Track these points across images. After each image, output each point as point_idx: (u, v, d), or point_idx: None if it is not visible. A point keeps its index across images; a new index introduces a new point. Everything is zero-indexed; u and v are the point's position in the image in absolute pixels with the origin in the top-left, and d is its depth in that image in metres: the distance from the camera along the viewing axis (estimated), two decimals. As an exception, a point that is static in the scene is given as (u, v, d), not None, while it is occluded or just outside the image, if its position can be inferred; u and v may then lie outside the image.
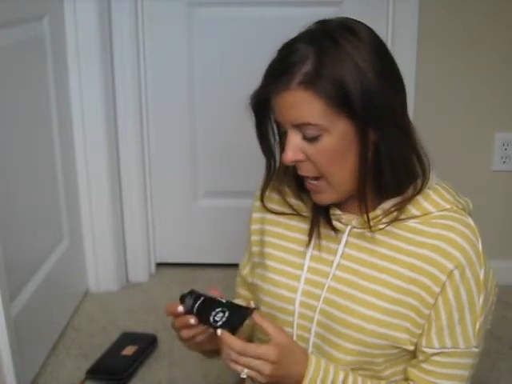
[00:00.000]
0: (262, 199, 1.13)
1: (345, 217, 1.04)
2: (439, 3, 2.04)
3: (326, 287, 1.04)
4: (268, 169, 1.08)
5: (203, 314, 0.96)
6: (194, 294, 0.99)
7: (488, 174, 2.21)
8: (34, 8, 1.78)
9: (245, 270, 1.22)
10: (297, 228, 1.10)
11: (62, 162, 1.96)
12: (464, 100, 2.13)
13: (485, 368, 1.78)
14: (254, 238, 1.17)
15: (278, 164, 1.07)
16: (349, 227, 1.04)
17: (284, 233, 1.11)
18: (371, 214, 1.01)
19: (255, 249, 1.17)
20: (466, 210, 1.04)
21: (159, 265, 2.35)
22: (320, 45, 0.92)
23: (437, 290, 0.98)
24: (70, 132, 2.04)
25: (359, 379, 1.01)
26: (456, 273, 0.97)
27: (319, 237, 1.06)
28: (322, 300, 1.04)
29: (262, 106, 0.99)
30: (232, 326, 0.94)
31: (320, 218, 1.06)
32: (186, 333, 1.00)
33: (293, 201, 1.11)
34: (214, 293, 1.00)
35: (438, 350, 1.00)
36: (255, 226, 1.17)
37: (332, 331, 1.03)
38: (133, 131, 2.18)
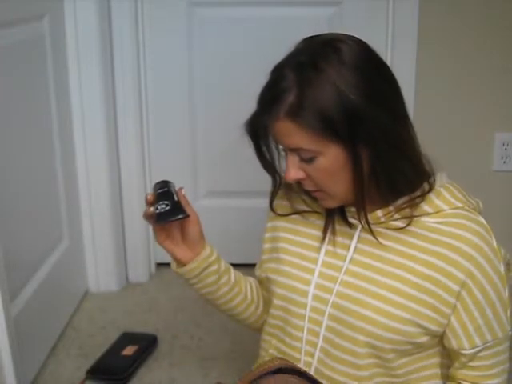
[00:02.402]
0: (271, 209, 1.18)
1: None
2: (439, 3, 2.04)
3: (338, 281, 1.06)
4: (274, 183, 1.13)
5: (156, 201, 1.10)
6: (164, 184, 1.14)
7: (488, 174, 2.21)
8: (34, 8, 1.78)
9: (257, 271, 1.26)
10: (312, 224, 1.13)
11: (61, 161, 1.96)
12: (464, 100, 2.13)
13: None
14: (267, 235, 1.22)
15: (282, 176, 1.11)
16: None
17: (299, 229, 1.14)
18: (384, 210, 1.03)
19: (267, 246, 1.21)
20: (477, 210, 1.06)
21: (159, 265, 2.35)
22: (303, 73, 0.95)
23: (455, 288, 1.00)
24: (69, 132, 2.04)
25: None
26: (476, 273, 1.00)
27: (334, 233, 1.09)
28: (334, 293, 1.06)
29: (258, 131, 1.04)
30: (160, 218, 1.08)
31: (334, 214, 1.09)
32: (146, 209, 1.10)
33: (306, 198, 1.13)
34: (180, 191, 1.12)
35: (482, 347, 1.04)
36: (268, 235, 1.22)
37: (344, 324, 1.04)
38: (133, 131, 2.18)
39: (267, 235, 1.22)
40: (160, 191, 1.11)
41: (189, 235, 1.13)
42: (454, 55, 2.08)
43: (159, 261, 2.35)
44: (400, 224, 1.03)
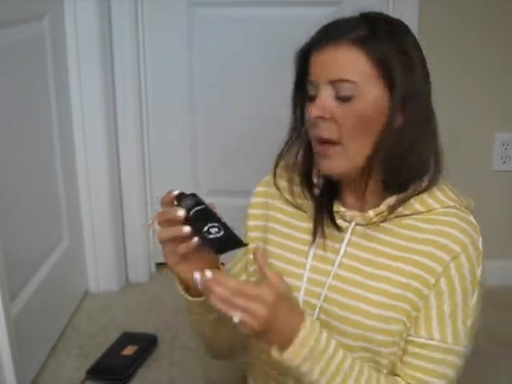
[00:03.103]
0: (274, 174, 1.12)
1: (348, 213, 1.04)
2: (439, 3, 2.04)
3: (327, 285, 1.04)
4: (290, 137, 1.07)
5: (198, 221, 0.88)
6: (197, 199, 0.92)
7: (488, 173, 2.21)
8: (34, 8, 1.78)
9: (236, 267, 1.20)
10: (301, 228, 1.10)
11: (61, 162, 1.96)
12: (464, 100, 2.12)
13: (485, 368, 1.77)
14: (255, 234, 1.16)
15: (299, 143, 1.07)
16: (352, 225, 1.04)
17: (288, 232, 1.11)
18: (376, 210, 1.02)
19: (254, 246, 1.15)
20: (469, 209, 1.05)
21: (159, 265, 2.36)
22: (375, 22, 0.99)
23: (432, 281, 0.99)
24: (69, 132, 2.05)
25: (348, 355, 0.96)
26: (452, 265, 0.98)
27: (323, 236, 1.06)
28: (322, 298, 1.04)
29: (306, 60, 1.01)
30: (221, 246, 0.87)
31: (324, 216, 1.06)
32: (167, 230, 0.92)
33: (299, 201, 1.11)
34: (213, 208, 0.94)
35: (425, 340, 0.99)
36: (255, 222, 1.16)
37: (333, 329, 1.03)
38: (133, 131, 2.19)
39: (253, 234, 1.15)
40: (198, 209, 0.90)
41: (206, 256, 0.96)
42: (454, 55, 2.08)
43: (159, 261, 2.35)
44: (390, 226, 1.02)
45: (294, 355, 0.90)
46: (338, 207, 1.06)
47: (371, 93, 0.96)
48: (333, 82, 0.97)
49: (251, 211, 1.17)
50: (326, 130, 0.98)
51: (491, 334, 1.97)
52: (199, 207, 0.90)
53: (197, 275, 0.88)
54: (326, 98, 0.97)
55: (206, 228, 0.87)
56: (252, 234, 1.16)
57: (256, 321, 0.87)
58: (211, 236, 0.87)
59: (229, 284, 0.87)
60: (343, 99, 0.96)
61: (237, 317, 0.86)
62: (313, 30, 1.03)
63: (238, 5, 2.13)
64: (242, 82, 2.14)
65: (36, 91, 1.80)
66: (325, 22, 1.03)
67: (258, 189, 1.17)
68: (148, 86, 2.20)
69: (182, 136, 2.26)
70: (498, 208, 2.23)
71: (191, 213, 0.89)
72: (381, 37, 0.97)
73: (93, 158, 2.10)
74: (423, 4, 2.03)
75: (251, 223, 1.16)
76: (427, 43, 2.08)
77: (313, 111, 0.97)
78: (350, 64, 0.96)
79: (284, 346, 0.90)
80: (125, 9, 2.06)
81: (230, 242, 0.88)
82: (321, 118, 0.98)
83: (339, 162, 1.00)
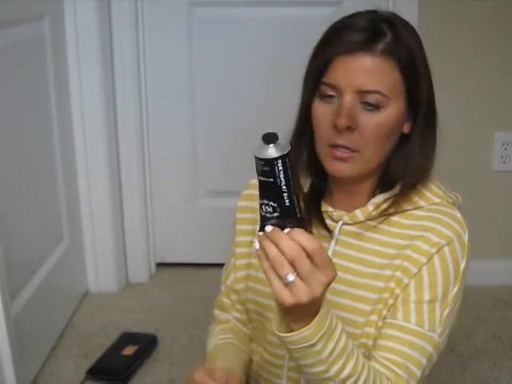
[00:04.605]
0: None
1: (336, 213, 1.05)
2: (439, 3, 2.04)
3: None
4: (298, 135, 1.04)
5: (260, 191, 0.77)
6: (270, 162, 0.75)
7: (488, 173, 2.21)
8: (34, 8, 1.78)
9: (228, 280, 1.18)
10: None
11: (62, 162, 1.96)
12: (464, 100, 2.12)
13: (485, 368, 1.77)
14: (243, 238, 1.15)
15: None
16: (339, 225, 1.04)
17: None
18: (363, 209, 1.02)
19: (242, 250, 1.15)
20: (456, 205, 1.05)
21: (159, 265, 2.36)
22: (397, 28, 1.01)
23: (414, 270, 0.98)
24: (69, 132, 2.05)
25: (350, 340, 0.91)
26: (436, 257, 0.98)
27: None
28: None
29: (327, 65, 0.97)
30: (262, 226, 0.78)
31: (312, 217, 1.06)
32: None
33: None
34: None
35: (401, 323, 0.97)
36: (244, 227, 1.15)
37: None
38: (133, 131, 2.19)
39: (241, 239, 1.15)
40: (263, 180, 0.76)
41: None
42: (454, 55, 2.08)
43: (159, 261, 2.35)
44: (376, 224, 1.02)
45: (314, 330, 0.83)
46: (325, 207, 1.06)
47: (397, 104, 0.97)
48: (361, 92, 0.94)
49: (239, 215, 1.17)
50: (348, 140, 0.96)
51: (492, 333, 1.97)
52: (264, 179, 0.76)
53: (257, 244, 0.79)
54: (352, 106, 0.95)
55: (260, 204, 0.77)
56: (240, 239, 1.16)
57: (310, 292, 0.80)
58: (264, 213, 0.77)
59: (308, 243, 0.78)
60: (369, 109, 0.95)
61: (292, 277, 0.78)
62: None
63: (238, 5, 2.13)
64: (241, 82, 2.14)
65: (36, 91, 1.80)
66: (341, 17, 1.03)
67: (240, 203, 1.17)
68: (148, 86, 2.20)
69: (181, 136, 2.26)
70: (498, 208, 2.23)
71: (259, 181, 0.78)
72: (406, 44, 0.99)
73: (93, 158, 2.10)
74: (423, 4, 2.02)
75: (240, 227, 1.16)
76: (427, 43, 2.07)
77: (342, 121, 0.94)
78: (381, 76, 0.94)
79: (305, 321, 0.83)
80: (125, 9, 2.06)
81: (284, 223, 0.78)
82: (349, 128, 0.95)
83: (355, 167, 0.99)
